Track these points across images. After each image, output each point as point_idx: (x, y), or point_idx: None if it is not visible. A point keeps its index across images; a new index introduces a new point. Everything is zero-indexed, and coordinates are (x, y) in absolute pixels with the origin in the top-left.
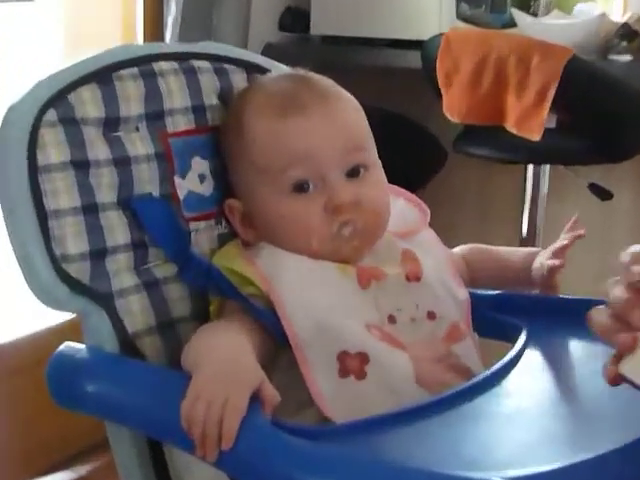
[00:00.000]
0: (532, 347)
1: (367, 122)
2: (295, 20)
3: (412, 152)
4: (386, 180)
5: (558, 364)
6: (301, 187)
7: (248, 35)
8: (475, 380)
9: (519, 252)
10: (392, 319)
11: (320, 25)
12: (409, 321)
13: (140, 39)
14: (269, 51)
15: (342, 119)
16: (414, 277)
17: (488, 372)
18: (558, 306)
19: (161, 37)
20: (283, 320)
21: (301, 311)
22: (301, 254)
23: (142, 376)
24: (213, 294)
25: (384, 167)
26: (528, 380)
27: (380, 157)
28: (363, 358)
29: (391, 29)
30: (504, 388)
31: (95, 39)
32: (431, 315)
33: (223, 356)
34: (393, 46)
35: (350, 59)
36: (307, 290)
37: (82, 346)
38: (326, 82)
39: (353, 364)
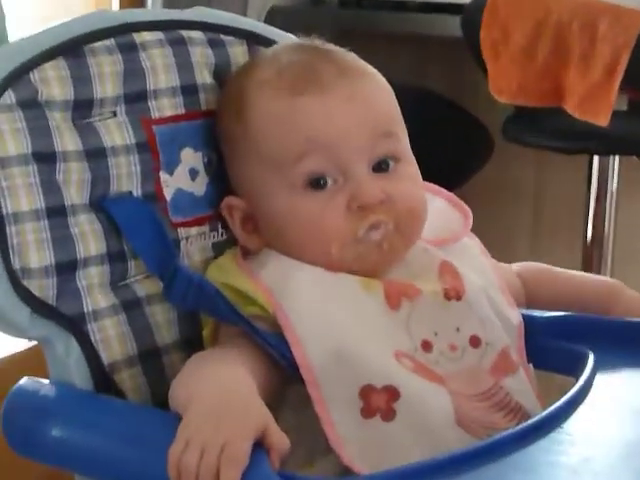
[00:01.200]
0: (601, 381)
1: (398, 105)
2: None
3: (451, 140)
4: (420, 174)
5: (633, 403)
6: (317, 182)
7: None
8: (530, 422)
9: (590, 283)
10: (427, 346)
11: None
12: (448, 348)
13: (116, 4)
14: (274, 17)
15: (368, 100)
16: (454, 294)
17: (546, 412)
18: (633, 331)
19: (141, 2)
20: (293, 347)
21: (316, 336)
22: (316, 264)
23: (120, 418)
24: (207, 316)
25: (417, 159)
26: (596, 423)
27: (412, 147)
28: (392, 393)
29: None
30: (566, 433)
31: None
32: (475, 341)
33: (219, 392)
34: (428, 10)
35: (375, 27)
36: (323, 310)
37: (46, 381)
38: (347, 55)
39: (379, 401)
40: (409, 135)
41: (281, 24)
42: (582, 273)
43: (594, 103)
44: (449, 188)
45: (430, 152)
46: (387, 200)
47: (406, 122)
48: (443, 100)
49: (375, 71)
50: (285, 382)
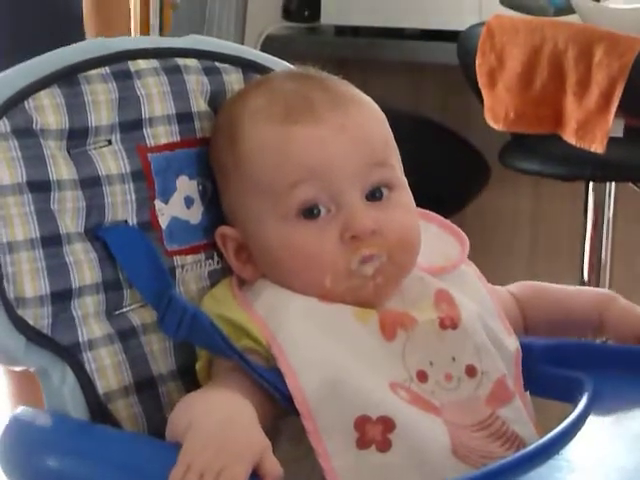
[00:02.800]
0: (598, 409)
1: (391, 133)
2: (302, 6)
3: (448, 168)
4: (414, 202)
5: (631, 430)
6: (310, 211)
7: (245, 25)
8: (527, 451)
9: (585, 293)
10: (422, 376)
11: (333, 13)
12: (443, 378)
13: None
14: (270, 45)
15: (361, 128)
16: (450, 323)
17: (543, 440)
18: (631, 358)
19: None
20: (287, 378)
21: (310, 367)
22: (310, 294)
23: (116, 447)
24: (201, 347)
25: (413, 186)
26: (594, 450)
27: (408, 174)
28: (387, 424)
29: (421, 17)
30: (565, 460)
31: None
32: (471, 370)
33: (220, 418)
34: (424, 38)
35: (371, 54)
36: (317, 341)
37: (41, 410)
38: (342, 83)
39: (375, 432)
40: (406, 162)
41: (277, 52)
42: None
43: (590, 130)
44: (446, 215)
45: (427, 180)
46: (380, 230)
47: (403, 149)
48: (440, 127)
49: (369, 99)
50: (279, 416)
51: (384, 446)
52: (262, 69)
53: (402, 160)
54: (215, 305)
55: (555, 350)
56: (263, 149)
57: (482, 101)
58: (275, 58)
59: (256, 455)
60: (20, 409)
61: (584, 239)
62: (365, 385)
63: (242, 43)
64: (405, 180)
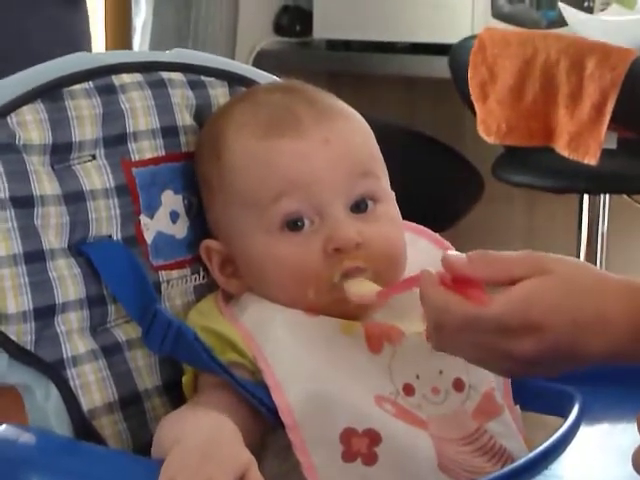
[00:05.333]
0: (588, 423)
1: (377, 145)
2: (293, 21)
3: (441, 181)
4: (400, 215)
5: (620, 444)
6: (294, 223)
7: (236, 40)
8: (514, 466)
9: None
10: (409, 389)
11: (324, 27)
12: (430, 392)
13: (101, 46)
14: (262, 59)
15: (345, 140)
16: None
17: (532, 455)
18: (621, 372)
19: (128, 44)
20: (273, 391)
21: (295, 380)
22: (295, 307)
23: (101, 465)
24: (185, 363)
25: (405, 200)
26: (583, 464)
27: (400, 188)
28: (373, 437)
29: (413, 31)
30: (554, 475)
31: None
32: (458, 384)
33: (203, 434)
34: (416, 51)
35: (363, 68)
36: (302, 354)
37: (25, 427)
38: (327, 96)
39: (360, 445)
40: (398, 176)
41: (269, 67)
42: None
43: (583, 142)
44: (439, 229)
45: (419, 193)
46: (364, 243)
47: (395, 163)
48: (432, 141)
49: (353, 111)
50: (265, 431)
51: (370, 459)
52: (249, 83)
53: (394, 174)
54: (201, 318)
55: None
56: (247, 162)
57: (474, 114)
58: (261, 71)
59: (239, 469)
60: (3, 426)
61: (578, 251)
62: (351, 398)
63: (233, 58)
64: (392, 193)
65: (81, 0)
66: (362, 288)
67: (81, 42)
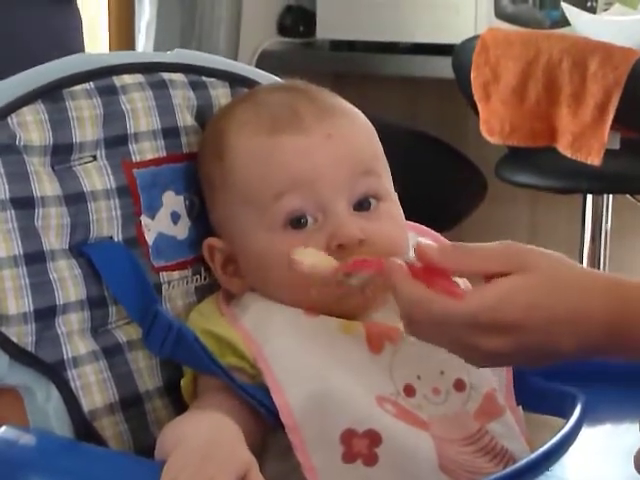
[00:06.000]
0: (591, 423)
1: (380, 143)
2: (297, 22)
3: (444, 182)
4: (402, 214)
5: (623, 445)
6: (298, 221)
7: (239, 40)
8: (516, 467)
9: None
10: (410, 390)
11: (328, 27)
12: (431, 392)
13: (105, 48)
14: (265, 60)
15: (347, 138)
16: None
17: (533, 455)
18: (623, 373)
19: (132, 45)
20: (273, 392)
21: (295, 380)
22: (297, 305)
23: (102, 466)
24: (185, 365)
25: (408, 200)
26: (586, 465)
27: (404, 188)
28: (374, 438)
29: (416, 31)
30: (555, 476)
31: None
32: (459, 384)
33: (205, 436)
34: (419, 52)
35: (367, 69)
36: (303, 354)
37: (26, 429)
38: (329, 95)
39: (361, 446)
40: (402, 176)
41: (273, 67)
42: None
43: (586, 142)
44: (442, 229)
45: (423, 194)
46: (367, 240)
47: (399, 163)
48: (435, 141)
49: (356, 110)
50: (266, 433)
51: (370, 460)
52: (250, 83)
53: (398, 174)
54: (201, 320)
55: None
56: (249, 160)
57: (477, 114)
58: (263, 72)
59: (240, 470)
60: (3, 428)
61: (582, 252)
62: (351, 399)
63: (236, 59)
64: (394, 193)
65: (72, 0)
66: (318, 261)
67: (72, 42)
